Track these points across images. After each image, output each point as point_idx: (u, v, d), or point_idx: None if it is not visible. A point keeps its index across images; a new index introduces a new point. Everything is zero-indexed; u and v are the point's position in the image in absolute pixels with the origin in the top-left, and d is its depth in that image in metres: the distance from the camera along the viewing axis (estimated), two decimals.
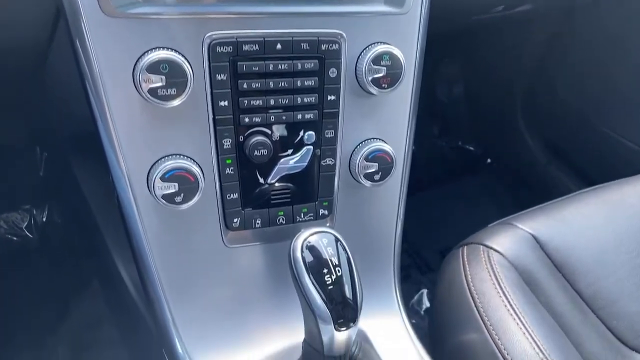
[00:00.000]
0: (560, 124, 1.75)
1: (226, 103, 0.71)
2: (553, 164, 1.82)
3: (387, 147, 0.80)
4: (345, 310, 0.67)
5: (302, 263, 0.67)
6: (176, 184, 0.70)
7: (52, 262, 1.41)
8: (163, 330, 0.77)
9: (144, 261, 0.77)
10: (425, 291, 1.61)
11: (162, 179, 0.70)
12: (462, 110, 2.05)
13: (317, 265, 0.66)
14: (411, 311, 1.44)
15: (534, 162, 1.86)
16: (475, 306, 0.84)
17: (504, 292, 0.84)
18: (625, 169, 1.23)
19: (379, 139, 0.81)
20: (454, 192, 1.98)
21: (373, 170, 0.80)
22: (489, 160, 2.05)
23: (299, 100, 0.74)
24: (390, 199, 0.87)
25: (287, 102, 0.73)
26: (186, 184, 0.70)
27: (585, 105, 1.63)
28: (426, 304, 1.58)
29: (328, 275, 0.67)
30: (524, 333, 0.79)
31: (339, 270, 0.68)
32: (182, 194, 0.71)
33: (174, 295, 0.77)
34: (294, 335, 0.81)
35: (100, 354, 1.14)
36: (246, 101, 0.72)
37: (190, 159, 0.72)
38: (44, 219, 1.47)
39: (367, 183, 0.81)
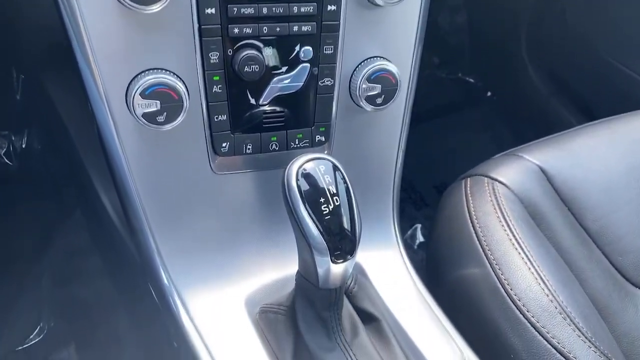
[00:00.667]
0: (566, 55, 1.67)
1: (213, 11, 0.63)
2: (556, 97, 1.75)
3: (391, 67, 0.73)
4: (342, 242, 0.63)
5: (297, 192, 0.62)
6: (158, 102, 0.63)
7: (33, 190, 1.35)
8: (147, 261, 0.72)
9: (125, 188, 0.71)
10: (419, 226, 1.58)
11: (142, 95, 0.63)
12: (464, 40, 1.95)
13: (314, 194, 0.62)
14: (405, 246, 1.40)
15: (536, 95, 1.79)
16: (478, 240, 0.80)
17: (508, 226, 0.80)
18: (632, 103, 1.17)
19: (383, 58, 0.73)
20: (451, 126, 1.91)
21: (375, 92, 0.73)
22: (489, 93, 1.97)
23: (295, 9, 0.66)
24: (392, 125, 0.81)
25: (281, 11, 0.65)
26: (169, 102, 0.63)
27: (595, 35, 1.55)
28: (420, 238, 1.56)
29: (325, 205, 0.62)
30: (529, 268, 0.76)
31: (337, 200, 0.63)
32: (165, 113, 0.64)
33: (158, 224, 0.72)
34: (287, 267, 0.77)
35: (85, 285, 1.10)
36: (235, 9, 0.64)
37: (174, 74, 0.64)
38: (23, 146, 1.40)
39: (369, 107, 0.74)
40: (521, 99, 1.86)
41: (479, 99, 1.98)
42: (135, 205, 0.70)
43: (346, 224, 0.63)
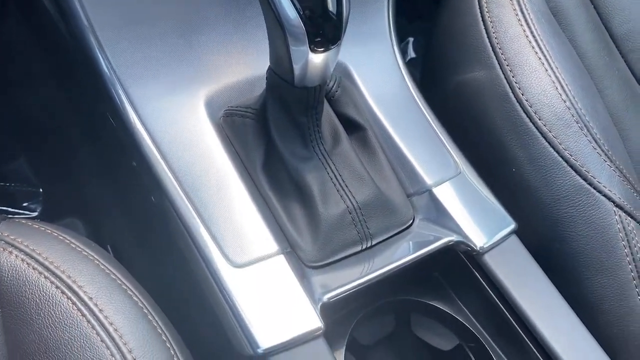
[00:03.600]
0: None
1: None
2: None
3: None
4: (324, 26, 0.51)
5: None
6: None
7: None
8: (80, 45, 0.58)
9: None
10: (411, 40, 1.42)
11: None
12: None
13: None
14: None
15: None
16: (488, 36, 0.67)
17: (526, 20, 0.66)
18: None
19: None
20: None
21: None
22: None
23: None
24: None
25: None
26: None
27: None
28: (411, 54, 1.41)
29: None
30: (547, 70, 0.63)
31: None
32: None
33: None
34: (256, 64, 0.64)
35: (28, 92, 0.97)
36: None
37: None
38: None
39: None
40: None
41: None
42: None
43: (330, 2, 0.51)
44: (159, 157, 0.59)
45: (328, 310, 0.56)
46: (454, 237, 0.60)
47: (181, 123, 0.61)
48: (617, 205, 0.61)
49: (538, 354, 0.57)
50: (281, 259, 0.57)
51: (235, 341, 0.53)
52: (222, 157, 0.61)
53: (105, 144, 0.76)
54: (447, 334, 0.64)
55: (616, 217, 0.60)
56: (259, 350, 0.52)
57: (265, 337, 0.52)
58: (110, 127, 0.63)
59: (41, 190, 0.99)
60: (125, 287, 0.57)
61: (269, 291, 0.55)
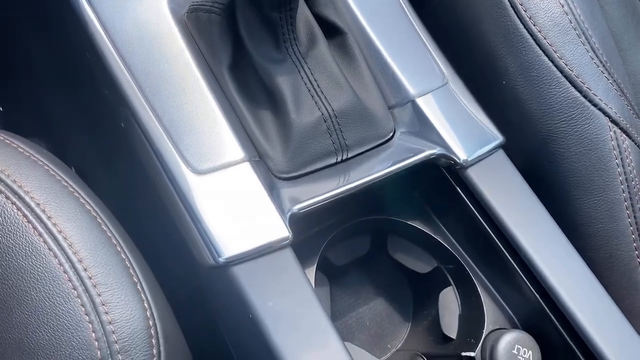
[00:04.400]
0: None
1: None
2: None
3: None
4: None
5: None
6: None
7: None
8: None
9: None
10: None
11: None
12: None
13: None
14: None
15: None
16: None
17: None
18: None
19: None
20: None
21: None
22: None
23: None
24: None
25: None
26: None
27: None
28: None
29: None
30: None
31: None
32: None
33: None
34: None
35: None
36: None
37: None
38: None
39: None
40: None
41: None
42: None
43: None
44: (116, 55, 0.53)
45: (298, 224, 0.51)
46: (436, 150, 0.55)
47: (140, 18, 0.55)
48: (613, 121, 0.56)
49: (522, 275, 0.54)
50: (247, 167, 0.52)
51: (196, 251, 0.49)
52: (185, 57, 0.55)
53: (63, 48, 0.70)
54: (424, 256, 0.60)
55: (611, 132, 0.56)
56: (221, 260, 0.47)
57: (228, 245, 0.48)
58: (64, 24, 0.57)
59: (1, 109, 0.92)
60: (77, 195, 0.52)
61: (233, 200, 0.50)
